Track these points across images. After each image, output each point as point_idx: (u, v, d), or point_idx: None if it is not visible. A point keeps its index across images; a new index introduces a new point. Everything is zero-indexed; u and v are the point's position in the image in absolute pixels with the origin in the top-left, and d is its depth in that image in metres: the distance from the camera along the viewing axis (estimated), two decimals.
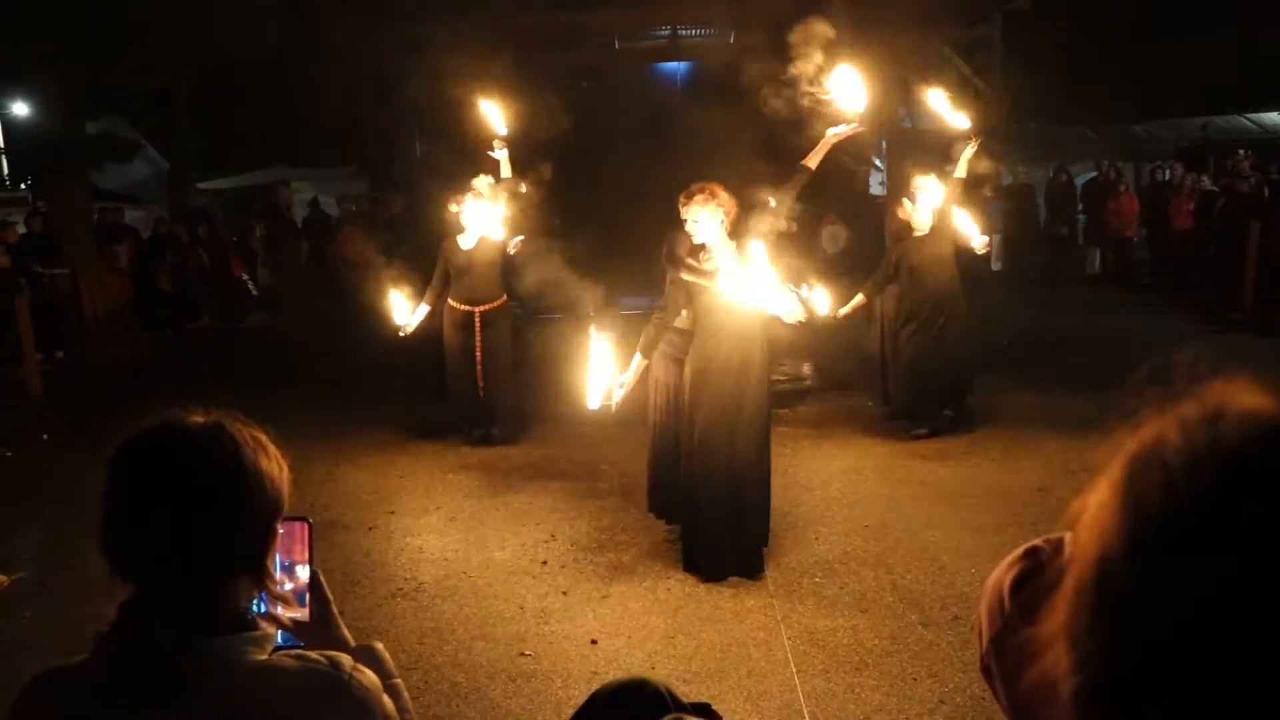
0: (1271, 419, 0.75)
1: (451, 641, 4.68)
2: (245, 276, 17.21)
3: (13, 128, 13.95)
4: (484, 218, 7.47)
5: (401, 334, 7.59)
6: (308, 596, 1.55)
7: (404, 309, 7.61)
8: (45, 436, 8.53)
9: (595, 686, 2.13)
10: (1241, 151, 15.02)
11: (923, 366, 7.51)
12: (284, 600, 1.49)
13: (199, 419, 1.36)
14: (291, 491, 1.43)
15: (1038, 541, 1.05)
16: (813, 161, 5.37)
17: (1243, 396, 0.78)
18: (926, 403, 7.63)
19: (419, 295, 7.70)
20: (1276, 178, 14.07)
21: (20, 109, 14.00)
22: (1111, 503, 0.78)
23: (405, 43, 13.36)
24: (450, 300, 7.67)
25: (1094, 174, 18.20)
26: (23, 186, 18.68)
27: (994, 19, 15.39)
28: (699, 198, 5.09)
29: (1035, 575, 1.01)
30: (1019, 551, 1.07)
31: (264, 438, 1.41)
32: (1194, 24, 18.11)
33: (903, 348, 7.64)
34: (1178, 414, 0.78)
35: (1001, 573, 1.07)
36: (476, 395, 7.73)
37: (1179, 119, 19.79)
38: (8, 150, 20.85)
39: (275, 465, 1.40)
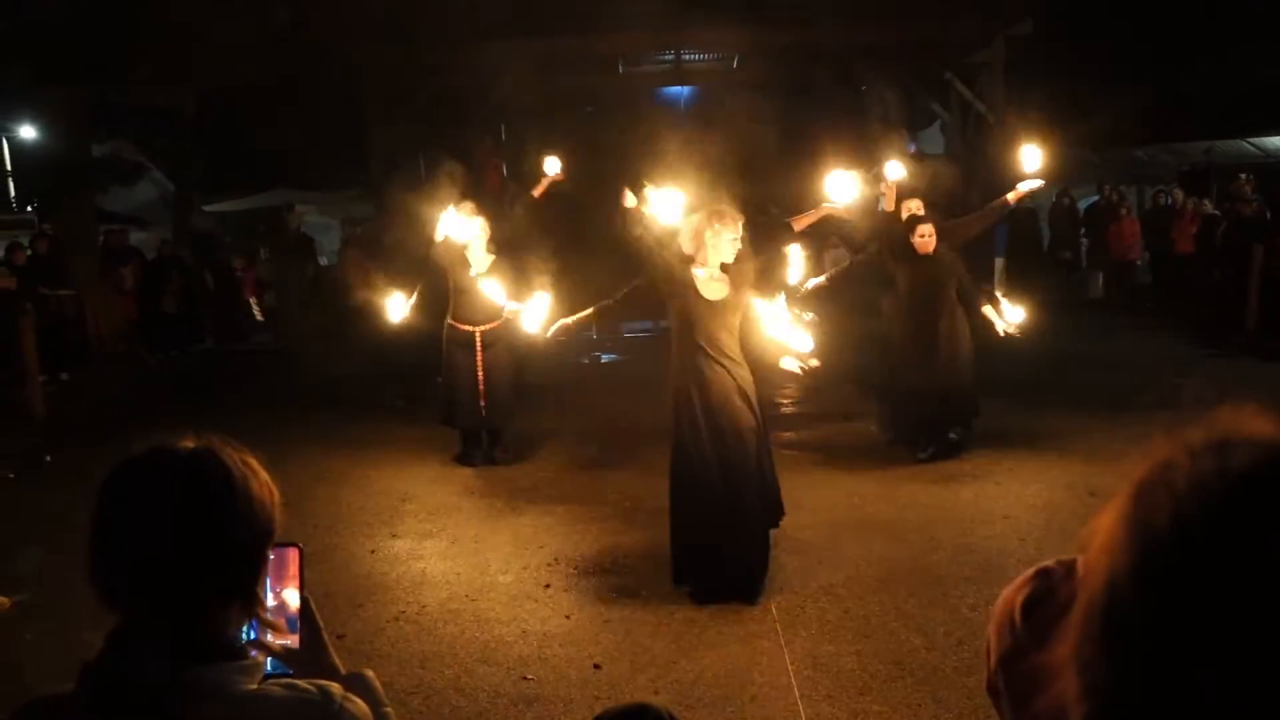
0: (1278, 446, 0.75)
1: (454, 665, 4.66)
2: (253, 300, 17.27)
3: (19, 150, 14.01)
4: (485, 237, 7.57)
5: (393, 324, 7.74)
6: (299, 623, 1.54)
7: (398, 305, 7.74)
8: (49, 458, 8.53)
9: (598, 711, 2.13)
10: (1244, 175, 15.04)
11: (926, 390, 7.50)
12: (274, 627, 1.48)
13: (189, 445, 1.35)
14: (285, 516, 1.43)
15: (1049, 563, 1.05)
16: (799, 224, 5.46)
17: (1250, 423, 0.78)
18: (930, 426, 7.62)
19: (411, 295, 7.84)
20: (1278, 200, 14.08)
21: (27, 132, 14.07)
22: (1120, 528, 0.78)
23: (410, 66, 13.47)
24: (451, 320, 7.70)
25: (1096, 197, 18.25)
26: (29, 209, 18.76)
27: (995, 44, 15.46)
28: (736, 218, 5.15)
29: (1047, 597, 1.01)
30: (1030, 572, 1.06)
31: (254, 463, 1.40)
32: (1196, 48, 18.19)
33: (906, 371, 7.63)
34: (1185, 440, 0.78)
35: (1012, 592, 1.06)
36: (479, 415, 7.74)
37: (1181, 143, 19.84)
38: (14, 173, 20.93)
39: (266, 491, 1.39)
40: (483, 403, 7.70)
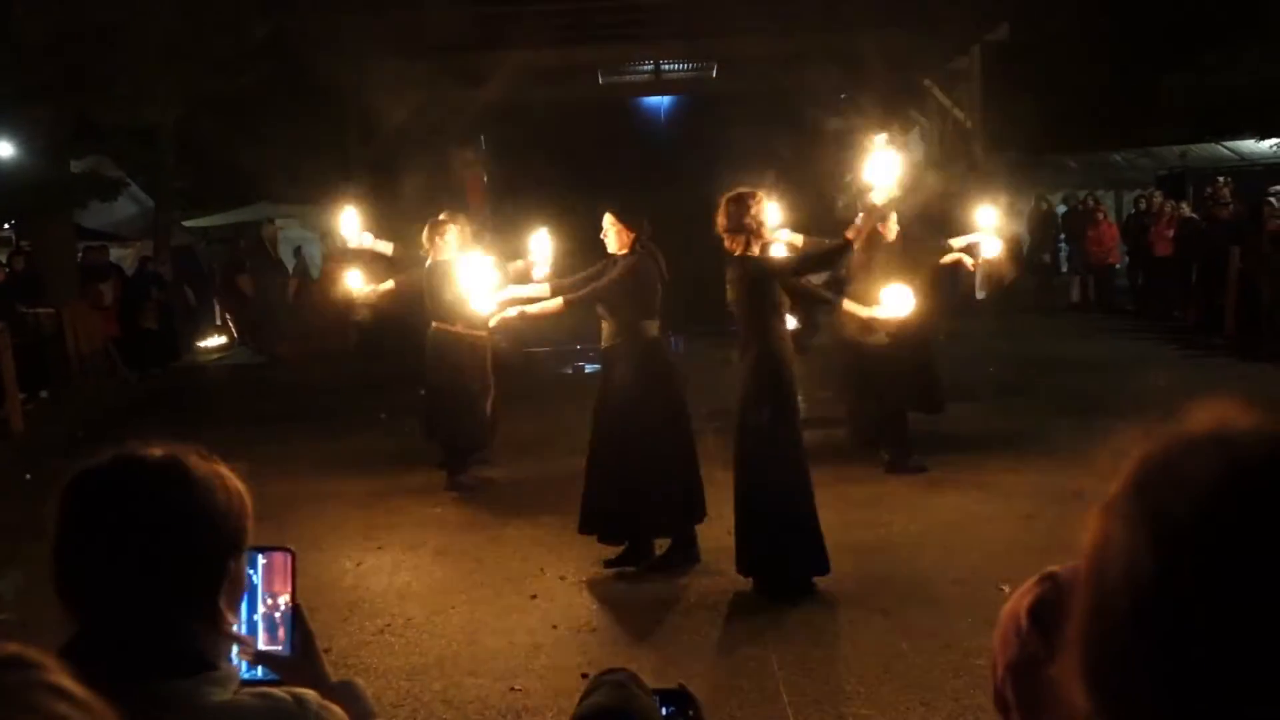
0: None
1: (441, 678, 4.64)
2: (228, 316, 17.22)
3: None
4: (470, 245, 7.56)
5: (360, 305, 7.79)
6: (291, 630, 1.51)
7: (360, 282, 7.80)
8: (28, 476, 8.45)
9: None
10: (1222, 178, 15.20)
11: (896, 390, 7.45)
12: (242, 641, 1.45)
13: (152, 452, 1.32)
14: (270, 529, 1.40)
15: (1055, 567, 1.02)
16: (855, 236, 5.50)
17: (1250, 415, 0.77)
18: (897, 431, 7.57)
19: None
20: (1255, 202, 14.21)
21: (4, 148, 13.95)
22: (1116, 521, 0.76)
23: (389, 79, 13.45)
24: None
25: (1069, 206, 18.37)
26: (6, 226, 18.60)
27: (972, 52, 15.58)
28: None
29: (1055, 601, 0.98)
30: (1035, 577, 1.04)
31: (224, 471, 1.36)
32: (1171, 53, 18.35)
33: (875, 371, 7.52)
34: (1184, 431, 0.77)
35: (1018, 599, 1.04)
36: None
37: (1157, 147, 20.03)
38: None
39: (234, 500, 1.35)
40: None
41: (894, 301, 5.61)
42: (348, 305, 8.01)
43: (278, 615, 1.50)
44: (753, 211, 5.23)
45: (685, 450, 5.76)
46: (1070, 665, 0.78)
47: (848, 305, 5.84)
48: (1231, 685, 0.69)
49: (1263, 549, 0.69)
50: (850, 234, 5.46)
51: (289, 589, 1.51)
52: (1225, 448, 0.74)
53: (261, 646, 1.49)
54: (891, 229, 7.43)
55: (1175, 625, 0.71)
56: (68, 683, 0.88)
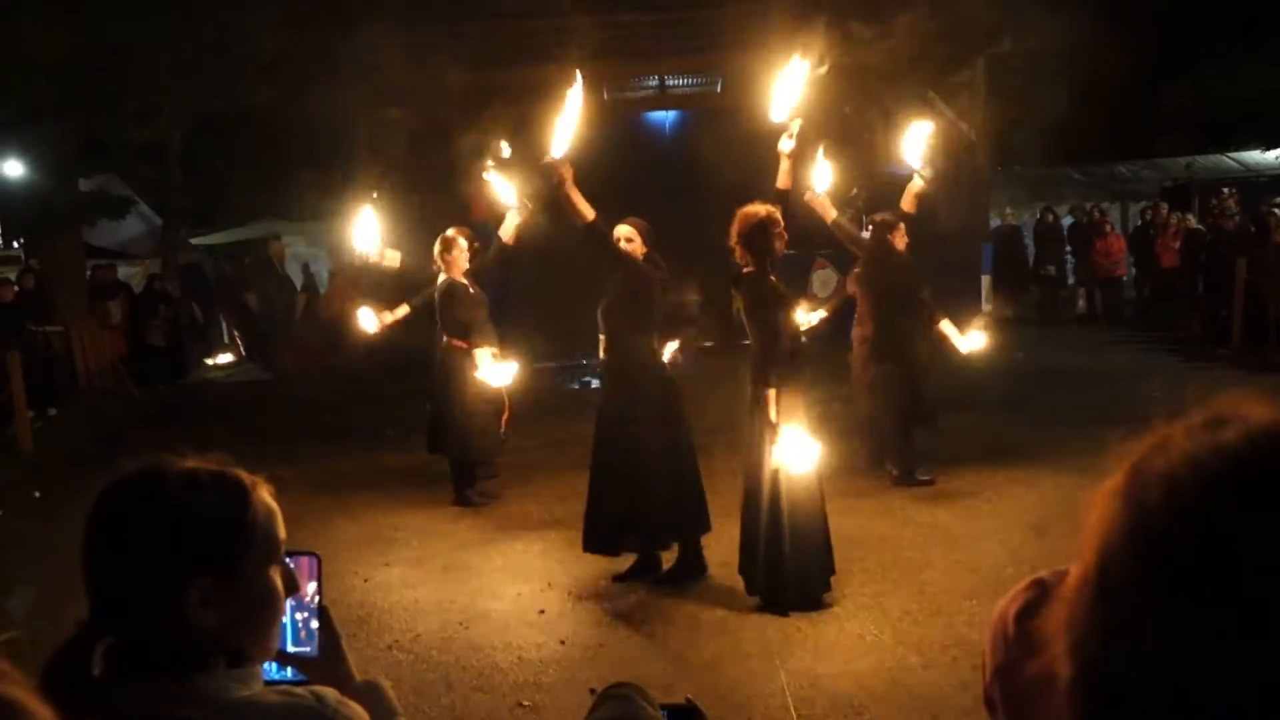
0: (1274, 424, 0.76)
1: (449, 694, 4.64)
2: (235, 333, 17.27)
3: (5, 186, 13.96)
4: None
5: (370, 332, 7.67)
6: (316, 632, 1.55)
7: (370, 317, 7.64)
8: (38, 494, 8.48)
9: None
10: (1226, 190, 15.21)
11: (902, 404, 7.46)
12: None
13: (174, 461, 1.36)
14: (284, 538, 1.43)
15: (1043, 574, 1.05)
16: (783, 182, 5.52)
17: (1248, 406, 0.79)
18: (904, 445, 7.57)
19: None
20: (1260, 213, 14.22)
21: (13, 167, 14.04)
22: (1114, 502, 0.79)
23: (394, 96, 13.52)
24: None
25: (1077, 218, 18.36)
26: (15, 245, 18.69)
27: (976, 63, 15.59)
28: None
29: (1040, 605, 1.01)
30: (1024, 583, 1.07)
31: (245, 477, 1.41)
32: (1175, 64, 18.41)
33: (879, 385, 7.52)
34: (1183, 421, 0.79)
35: (1006, 604, 1.07)
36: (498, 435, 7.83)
37: (1162, 158, 20.04)
38: (0, 209, 20.81)
39: (236, 504, 1.39)
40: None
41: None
42: (360, 337, 7.86)
43: (305, 618, 1.53)
44: (767, 230, 5.24)
45: (685, 461, 5.76)
46: (1058, 620, 0.81)
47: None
48: (1199, 659, 0.71)
49: (1224, 535, 0.72)
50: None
51: (315, 592, 1.56)
52: (1216, 435, 0.76)
53: (289, 648, 1.53)
54: (901, 239, 7.46)
55: (1126, 595, 0.75)
56: (18, 694, 0.89)
